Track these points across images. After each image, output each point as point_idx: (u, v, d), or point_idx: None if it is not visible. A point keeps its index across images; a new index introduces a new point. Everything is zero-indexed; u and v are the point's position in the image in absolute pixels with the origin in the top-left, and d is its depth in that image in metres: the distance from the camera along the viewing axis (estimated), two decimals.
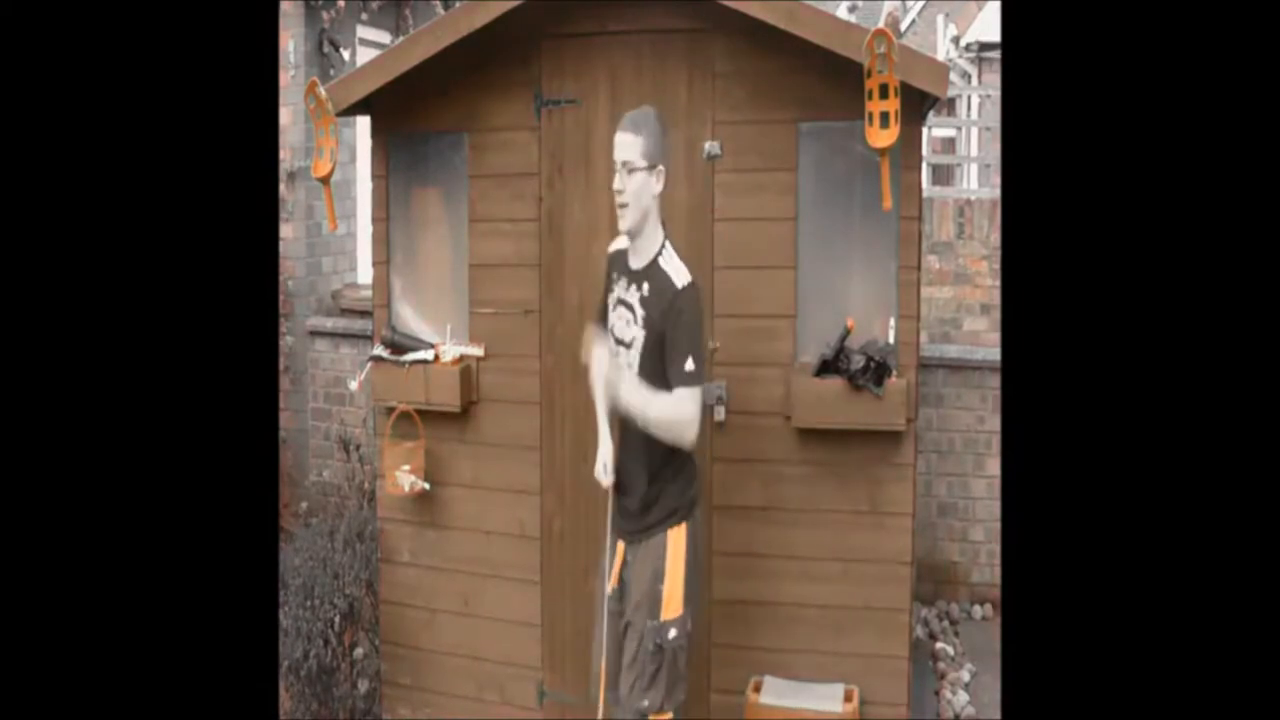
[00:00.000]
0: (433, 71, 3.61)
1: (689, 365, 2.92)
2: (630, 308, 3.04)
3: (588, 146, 3.66)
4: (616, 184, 2.99)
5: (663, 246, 3.04)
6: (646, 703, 3.02)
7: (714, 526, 3.60)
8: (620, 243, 3.15)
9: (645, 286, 3.01)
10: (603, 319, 3.17)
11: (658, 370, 2.96)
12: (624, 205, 2.98)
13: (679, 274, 2.99)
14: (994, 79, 14.86)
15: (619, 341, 3.07)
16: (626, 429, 3.06)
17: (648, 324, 2.98)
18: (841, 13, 12.13)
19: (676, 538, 3.03)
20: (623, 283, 3.07)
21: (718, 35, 3.50)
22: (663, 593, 3.00)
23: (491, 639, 3.86)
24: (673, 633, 3.00)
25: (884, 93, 3.08)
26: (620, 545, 3.13)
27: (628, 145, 2.98)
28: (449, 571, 3.91)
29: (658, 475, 3.03)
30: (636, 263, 3.05)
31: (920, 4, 16.57)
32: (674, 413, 2.93)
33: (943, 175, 12.41)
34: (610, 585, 3.13)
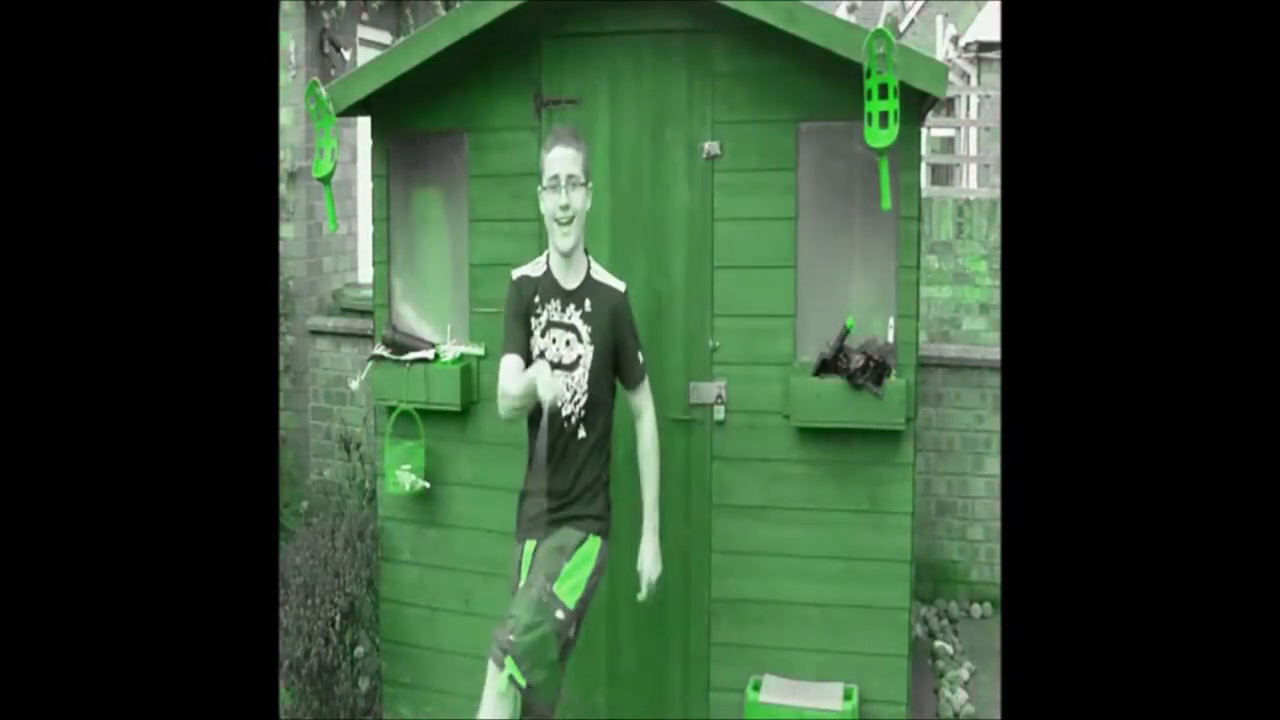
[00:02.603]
0: (433, 71, 3.61)
1: (641, 359, 3.16)
2: (570, 328, 3.06)
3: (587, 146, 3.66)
4: (561, 199, 2.98)
5: (589, 261, 3.12)
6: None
7: (714, 525, 3.61)
8: (533, 267, 3.13)
9: (587, 303, 3.07)
10: (520, 348, 3.05)
11: (608, 380, 3.10)
12: (570, 220, 3.00)
13: (614, 281, 3.13)
14: (993, 79, 14.87)
15: (555, 365, 3.03)
16: (570, 444, 3.08)
17: (596, 339, 3.05)
18: (841, 13, 12.14)
19: (594, 545, 3.09)
20: (553, 305, 3.07)
21: (718, 35, 3.51)
22: (563, 570, 3.01)
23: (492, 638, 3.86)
24: (560, 614, 2.97)
25: (883, 93, 3.08)
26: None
27: (570, 159, 3.01)
28: (450, 570, 3.91)
29: (599, 478, 3.13)
30: (570, 282, 3.08)
31: (919, 4, 16.56)
32: (652, 413, 3.20)
33: (942, 175, 12.42)
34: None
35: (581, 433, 3.08)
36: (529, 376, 2.89)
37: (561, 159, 3.00)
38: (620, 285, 3.14)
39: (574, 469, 3.08)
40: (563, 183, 2.98)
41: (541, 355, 3.04)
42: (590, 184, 3.07)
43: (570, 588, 3.00)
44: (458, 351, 3.82)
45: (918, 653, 4.44)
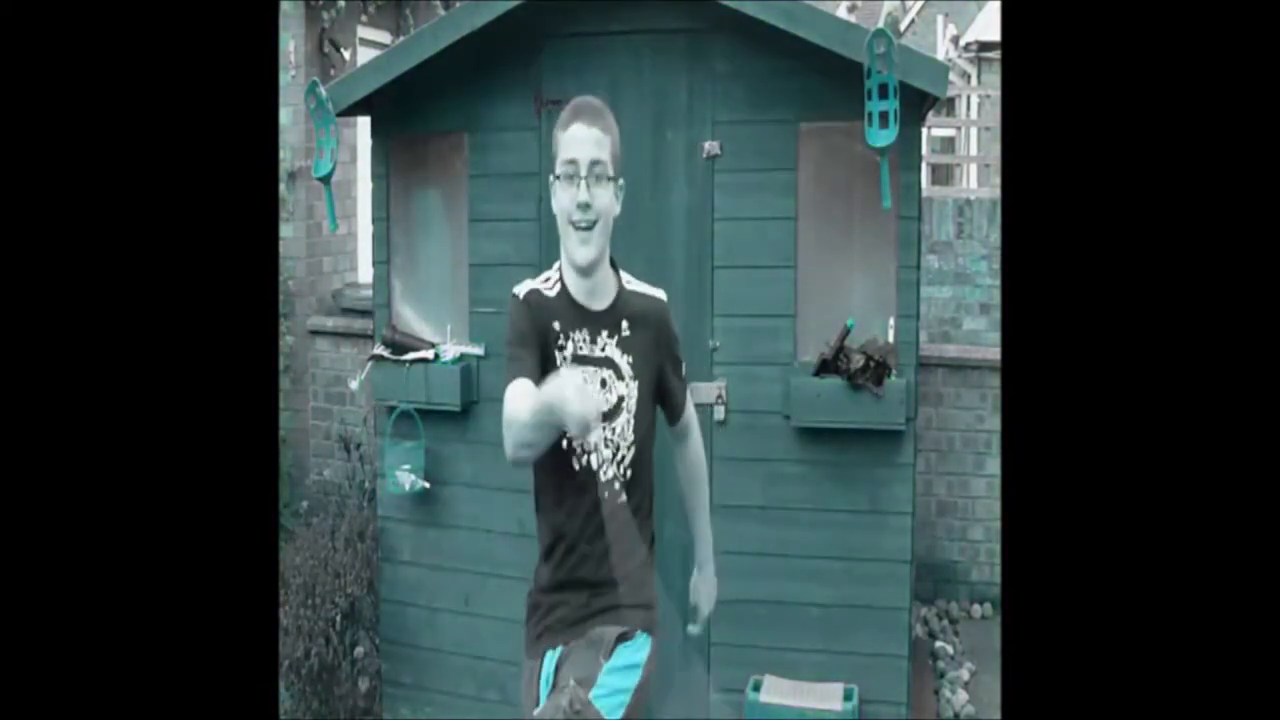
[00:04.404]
0: (433, 71, 3.61)
1: (685, 382, 2.43)
2: (605, 362, 2.23)
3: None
4: (580, 195, 2.13)
5: (619, 273, 2.30)
6: None
7: (714, 526, 3.60)
8: (544, 283, 2.24)
9: (624, 326, 2.25)
10: (533, 374, 2.12)
11: (651, 419, 2.32)
12: (592, 224, 2.15)
13: (652, 290, 2.34)
14: (993, 79, 14.87)
15: None
16: (611, 514, 2.24)
17: (640, 371, 2.26)
18: (841, 13, 12.13)
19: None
20: (580, 335, 2.22)
21: (718, 35, 3.51)
22: (600, 675, 2.15)
23: (492, 638, 3.86)
24: None
25: (883, 93, 3.09)
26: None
27: (594, 141, 2.17)
28: (450, 570, 3.91)
29: (647, 555, 2.37)
30: (598, 302, 2.23)
31: (919, 4, 16.57)
32: (698, 432, 2.52)
33: (942, 175, 12.40)
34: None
35: (623, 497, 2.25)
36: (551, 389, 1.93)
37: (582, 140, 2.16)
38: (660, 294, 2.33)
39: (620, 547, 2.23)
40: (582, 172, 2.14)
41: None
42: (621, 180, 2.22)
43: (614, 703, 2.13)
44: (457, 351, 3.82)
45: (918, 653, 4.44)
